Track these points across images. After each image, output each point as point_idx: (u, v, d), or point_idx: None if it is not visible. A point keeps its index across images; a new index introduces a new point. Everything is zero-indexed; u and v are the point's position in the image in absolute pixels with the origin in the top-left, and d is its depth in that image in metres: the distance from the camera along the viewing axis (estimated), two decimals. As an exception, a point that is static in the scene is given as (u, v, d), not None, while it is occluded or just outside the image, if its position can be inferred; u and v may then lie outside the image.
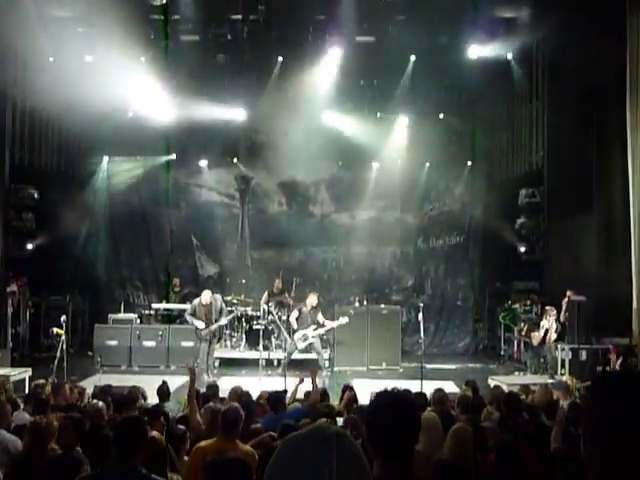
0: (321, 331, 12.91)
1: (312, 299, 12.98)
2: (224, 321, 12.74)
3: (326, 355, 13.44)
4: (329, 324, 12.99)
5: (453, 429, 4.74)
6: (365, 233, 17.25)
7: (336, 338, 13.83)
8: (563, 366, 12.12)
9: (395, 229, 17.32)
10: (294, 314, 13.00)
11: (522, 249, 14.55)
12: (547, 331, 12.43)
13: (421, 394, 7.40)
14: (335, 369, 13.55)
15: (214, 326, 12.56)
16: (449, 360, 15.07)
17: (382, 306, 14.73)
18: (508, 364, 14.60)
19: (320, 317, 12.98)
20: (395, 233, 17.36)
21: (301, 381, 8.00)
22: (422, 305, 11.98)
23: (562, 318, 12.50)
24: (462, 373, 13.24)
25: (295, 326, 12.88)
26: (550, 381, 10.59)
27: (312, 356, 13.08)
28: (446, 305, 17.36)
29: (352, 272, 17.54)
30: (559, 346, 12.30)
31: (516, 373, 13.28)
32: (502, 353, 15.53)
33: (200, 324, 12.53)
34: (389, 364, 13.76)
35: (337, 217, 17.59)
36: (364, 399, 7.77)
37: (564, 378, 10.86)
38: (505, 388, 9.31)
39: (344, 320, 13.01)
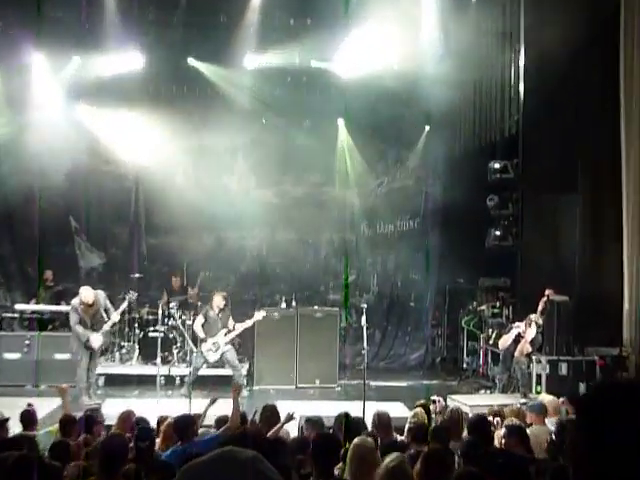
0: (233, 335, 13.02)
1: (218, 300, 13.06)
2: (116, 316, 12.63)
3: (244, 370, 13.49)
4: (242, 326, 13.08)
5: (380, 472, 4.73)
6: (295, 215, 17.37)
7: (257, 348, 13.93)
8: (539, 382, 12.33)
9: (333, 210, 17.39)
10: (199, 320, 13.00)
11: (491, 237, 14.63)
12: (520, 337, 12.56)
13: (357, 420, 7.51)
14: (255, 388, 13.61)
15: (107, 326, 12.46)
16: (399, 376, 15.23)
17: (316, 308, 14.83)
18: (472, 381, 14.80)
19: (230, 321, 13.06)
20: (333, 215, 17.44)
21: (213, 401, 7.92)
22: (366, 307, 12.05)
23: (539, 320, 12.66)
24: (415, 392, 13.30)
25: (202, 334, 12.88)
26: (523, 401, 10.73)
27: (225, 372, 13.11)
28: (396, 307, 17.51)
29: (278, 264, 17.65)
30: (534, 357, 12.51)
31: (482, 392, 13.47)
32: (465, 367, 15.69)
33: (97, 340, 12.37)
34: (324, 381, 13.88)
35: (260, 194, 17.61)
36: (292, 427, 7.84)
37: (540, 397, 10.67)
38: (468, 410, 9.49)
39: (259, 315, 13.20)
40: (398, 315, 17.47)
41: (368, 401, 10.41)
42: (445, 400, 10.36)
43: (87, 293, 12.46)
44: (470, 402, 11.13)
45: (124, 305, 12.91)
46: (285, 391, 13.40)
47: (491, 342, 14.35)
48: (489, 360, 14.58)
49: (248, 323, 13.16)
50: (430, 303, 17.12)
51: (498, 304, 15.09)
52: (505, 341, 12.80)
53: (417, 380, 15.04)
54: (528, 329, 12.53)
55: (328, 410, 8.09)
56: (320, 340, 14.02)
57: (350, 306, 16.90)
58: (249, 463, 1.55)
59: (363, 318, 11.61)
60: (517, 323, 12.84)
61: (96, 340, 12.37)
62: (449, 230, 16.34)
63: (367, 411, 9.36)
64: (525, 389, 12.28)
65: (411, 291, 17.52)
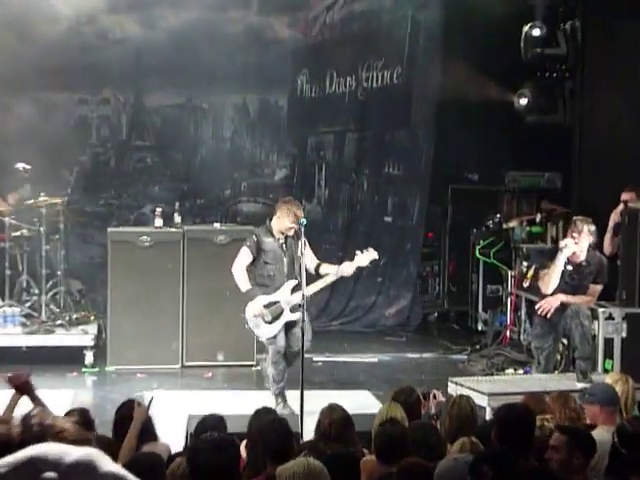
0: (318, 288, 11.70)
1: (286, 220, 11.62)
2: None
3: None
4: (328, 270, 11.64)
5: None
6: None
7: (110, 300, 13.63)
8: (609, 354, 11.76)
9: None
10: (244, 256, 11.54)
11: (526, 103, 14.62)
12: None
13: (283, 424, 6.91)
14: (108, 368, 13.27)
15: None
16: (364, 345, 14.96)
17: (216, 226, 14.14)
18: (493, 352, 14.34)
19: (309, 256, 11.57)
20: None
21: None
22: (305, 223, 11.05)
23: (608, 246, 12.59)
24: (392, 372, 13.44)
25: (246, 285, 11.42)
26: (580, 386, 10.40)
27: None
28: (357, 223, 16.91)
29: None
30: (601, 311, 11.80)
31: (509, 371, 13.19)
32: (481, 328, 15.43)
33: None
34: (232, 357, 13.46)
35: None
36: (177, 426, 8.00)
37: (608, 378, 9.68)
38: (484, 403, 9.73)
39: (370, 256, 11.72)
40: (361, 238, 16.19)
41: (310, 390, 10.06)
42: (446, 386, 10.75)
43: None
44: (488, 389, 10.67)
45: None
46: (163, 374, 12.97)
47: (526, 284, 13.49)
48: (522, 315, 13.98)
49: (353, 268, 11.61)
50: (419, 217, 16.37)
51: (539, 218, 14.85)
52: (551, 277, 11.64)
53: (396, 352, 14.61)
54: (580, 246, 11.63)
55: (238, 406, 8.18)
56: (225, 284, 12.56)
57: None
58: None
59: (300, 243, 10.72)
60: (564, 243, 11.72)
61: None
62: (450, 90, 15.58)
63: (309, 407, 9.13)
64: (586, 365, 11.54)
65: (386, 196, 16.87)
